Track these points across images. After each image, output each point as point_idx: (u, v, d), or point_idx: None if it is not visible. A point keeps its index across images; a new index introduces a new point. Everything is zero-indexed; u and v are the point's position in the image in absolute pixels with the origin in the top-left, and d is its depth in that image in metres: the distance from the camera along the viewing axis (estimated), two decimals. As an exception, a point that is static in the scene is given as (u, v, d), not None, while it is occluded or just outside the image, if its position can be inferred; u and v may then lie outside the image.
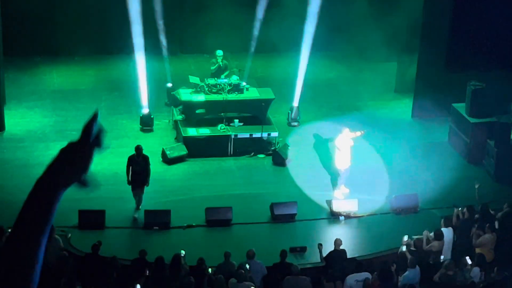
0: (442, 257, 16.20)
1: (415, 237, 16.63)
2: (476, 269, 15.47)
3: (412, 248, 16.08)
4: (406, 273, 15.24)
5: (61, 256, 15.60)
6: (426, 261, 16.15)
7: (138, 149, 18.64)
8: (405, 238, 16.31)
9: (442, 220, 16.98)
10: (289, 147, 21.19)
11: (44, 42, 26.23)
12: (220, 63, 22.80)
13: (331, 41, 26.97)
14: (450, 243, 16.65)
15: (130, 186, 18.69)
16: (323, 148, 21.05)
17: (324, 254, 16.03)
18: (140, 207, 18.61)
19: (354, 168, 19.72)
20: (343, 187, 19.53)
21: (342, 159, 19.41)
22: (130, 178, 18.47)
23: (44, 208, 3.04)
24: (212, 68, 22.78)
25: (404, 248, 16.09)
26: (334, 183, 19.65)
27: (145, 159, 18.62)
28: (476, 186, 18.26)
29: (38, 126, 22.44)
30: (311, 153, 21.44)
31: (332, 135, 19.91)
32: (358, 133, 19.65)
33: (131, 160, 18.62)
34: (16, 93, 24.08)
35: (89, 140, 3.10)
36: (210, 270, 15.11)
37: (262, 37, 26.76)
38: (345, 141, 19.40)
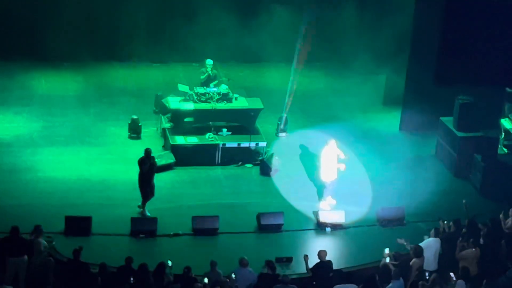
0: (427, 273, 16.19)
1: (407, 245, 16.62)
2: (461, 282, 15.48)
3: (393, 262, 16.08)
4: (390, 285, 15.25)
5: (45, 260, 15.55)
6: (409, 274, 16.14)
7: (148, 152, 18.76)
8: (387, 250, 16.30)
9: (432, 231, 16.97)
10: (275, 157, 21.18)
11: (33, 47, 26.20)
12: (210, 72, 22.82)
13: (321, 53, 27.06)
14: (436, 253, 16.66)
15: (116, 193, 18.71)
16: (309, 160, 21.07)
17: (310, 265, 16.01)
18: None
19: (341, 180, 19.72)
20: (330, 198, 19.55)
21: (327, 171, 19.42)
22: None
23: None
24: (202, 77, 22.79)
25: (387, 260, 16.09)
26: (320, 194, 19.67)
27: (154, 161, 18.94)
28: (464, 202, 18.32)
29: (26, 131, 22.37)
30: (298, 164, 21.46)
31: (318, 146, 19.90)
32: (342, 157, 19.58)
33: (142, 163, 18.73)
34: (4, 98, 24.03)
35: None
36: (206, 280, 14.99)
37: (252, 47, 26.86)
38: (330, 153, 19.40)
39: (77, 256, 15.55)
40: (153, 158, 18.95)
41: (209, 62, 22.90)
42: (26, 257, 15.54)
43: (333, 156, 19.40)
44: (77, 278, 15.16)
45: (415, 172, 21.29)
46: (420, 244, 16.53)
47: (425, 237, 16.91)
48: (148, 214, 18.79)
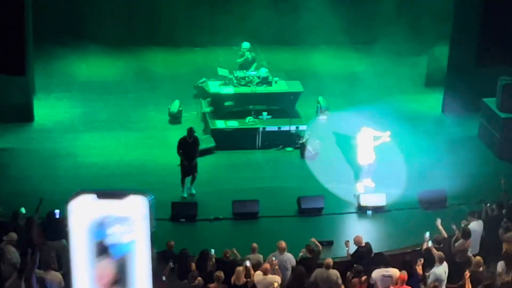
0: (469, 251, 16.01)
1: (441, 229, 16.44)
2: (502, 263, 15.29)
3: (435, 245, 15.92)
4: (434, 269, 15.11)
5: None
6: (453, 258, 15.97)
7: (191, 131, 18.84)
8: (427, 234, 16.13)
9: (469, 215, 16.81)
10: (315, 140, 21.08)
11: (74, 33, 26.29)
12: (248, 55, 22.74)
13: (361, 34, 26.88)
14: (478, 237, 16.48)
15: (156, 177, 18.76)
16: (347, 143, 20.89)
17: (351, 251, 15.93)
18: (186, 190, 19.07)
19: (382, 162, 19.60)
20: (368, 181, 19.41)
21: (363, 154, 19.31)
22: (182, 161, 18.89)
23: None
24: (239, 60, 22.75)
25: (430, 244, 15.90)
26: (356, 177, 19.57)
27: (196, 141, 18.97)
28: (502, 181, 18.08)
29: (67, 117, 22.50)
30: (338, 147, 21.33)
31: (357, 129, 19.73)
32: (385, 136, 19.49)
33: (182, 143, 18.84)
34: (45, 84, 24.16)
35: None
36: (248, 262, 14.98)
37: (292, 29, 26.76)
38: (366, 137, 19.28)
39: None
40: (197, 139, 19.06)
41: (245, 45, 22.83)
42: (64, 240, 15.64)
43: (369, 139, 19.26)
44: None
45: (457, 154, 21.05)
46: (464, 226, 16.36)
47: (464, 221, 16.70)
48: (187, 193, 18.98)
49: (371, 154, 19.32)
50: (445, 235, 16.33)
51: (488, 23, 20.98)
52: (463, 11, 22.59)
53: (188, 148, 18.95)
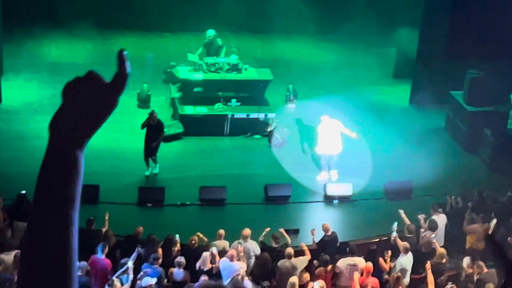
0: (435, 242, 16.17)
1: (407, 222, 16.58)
2: (467, 258, 15.47)
3: (407, 235, 16.05)
4: (399, 259, 15.24)
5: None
6: (419, 249, 16.13)
7: (152, 115, 19.01)
8: (395, 225, 16.27)
9: (431, 208, 16.96)
10: (284, 128, 21.12)
11: (44, 14, 26.12)
12: (219, 41, 22.63)
13: (332, 24, 26.94)
14: (442, 230, 16.63)
15: (123, 162, 18.79)
16: (311, 132, 20.84)
17: (317, 239, 16.03)
18: (151, 169, 19.26)
19: (349, 152, 19.71)
20: (333, 173, 19.44)
21: (322, 145, 19.32)
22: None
23: (63, 176, 2.37)
24: (199, 51, 22.60)
25: (394, 234, 16.03)
26: (318, 167, 19.60)
27: (159, 125, 19.12)
28: (463, 182, 18.37)
29: (35, 99, 22.36)
30: (305, 135, 21.39)
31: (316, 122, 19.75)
32: (352, 135, 19.50)
33: (146, 125, 19.12)
34: (13, 65, 23.99)
35: (126, 71, 2.55)
36: (215, 249, 15.02)
37: (263, 17, 26.77)
38: (327, 128, 19.27)
39: (90, 226, 15.61)
40: (162, 124, 19.23)
41: (211, 32, 22.69)
42: None
43: (330, 130, 19.26)
44: (90, 246, 15.19)
45: (424, 146, 21.22)
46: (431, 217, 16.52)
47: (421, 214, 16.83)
48: (151, 172, 19.11)
49: (333, 145, 19.31)
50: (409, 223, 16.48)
51: (458, 16, 21.15)
52: (433, 3, 22.71)
53: (151, 131, 19.01)
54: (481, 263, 15.08)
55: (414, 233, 16.24)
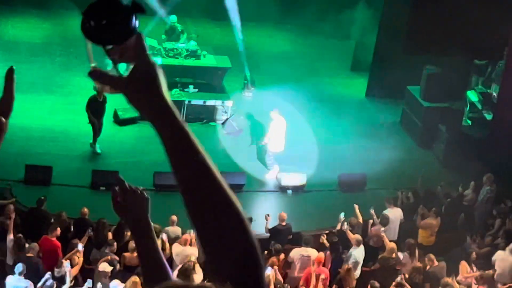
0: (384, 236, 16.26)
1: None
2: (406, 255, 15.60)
3: (349, 228, 16.12)
4: (352, 250, 15.33)
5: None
6: (367, 242, 16.23)
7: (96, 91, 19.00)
8: (342, 215, 16.34)
9: (385, 201, 17.07)
10: (239, 117, 21.07)
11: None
12: (178, 27, 22.57)
13: (291, 14, 26.95)
14: (396, 224, 16.73)
15: (78, 145, 18.64)
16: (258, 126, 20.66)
17: (270, 225, 16.06)
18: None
19: (304, 143, 19.75)
20: (276, 167, 19.36)
21: (273, 141, 19.27)
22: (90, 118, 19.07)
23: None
24: (163, 36, 22.59)
25: (345, 226, 16.07)
26: (264, 163, 19.53)
27: (105, 100, 19.24)
28: (420, 176, 18.48)
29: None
30: (259, 128, 21.28)
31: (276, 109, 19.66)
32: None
33: (92, 102, 19.00)
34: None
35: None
36: (165, 236, 14.99)
37: (223, 5, 26.67)
38: (276, 126, 19.20)
39: (41, 205, 15.47)
40: (105, 97, 19.23)
41: (173, 18, 22.63)
42: None
43: (280, 127, 19.25)
44: (39, 226, 15.08)
45: (379, 139, 21.35)
46: (384, 212, 16.61)
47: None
48: (99, 150, 19.11)
49: (279, 141, 19.26)
50: (361, 220, 16.56)
51: (417, 11, 21.26)
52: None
53: (98, 107, 18.95)
54: (431, 256, 15.24)
55: (356, 227, 16.29)
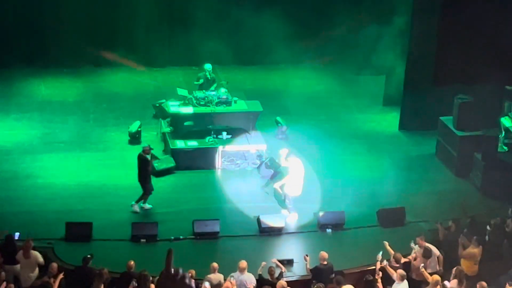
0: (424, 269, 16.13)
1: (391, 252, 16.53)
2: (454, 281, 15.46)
3: (395, 264, 16.00)
4: (396, 286, 15.21)
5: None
6: (410, 276, 16.10)
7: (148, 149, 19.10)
8: (380, 254, 16.23)
9: (418, 238, 16.89)
10: (275, 160, 21.10)
11: (33, 54, 26.26)
12: (208, 76, 22.83)
13: (320, 54, 27.11)
14: (435, 258, 16.57)
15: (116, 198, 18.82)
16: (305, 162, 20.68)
17: (310, 265, 16.01)
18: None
19: (341, 181, 19.71)
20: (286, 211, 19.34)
21: (292, 185, 19.16)
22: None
23: None
24: (196, 83, 22.82)
25: (385, 262, 15.95)
26: (282, 204, 19.50)
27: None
28: (462, 202, 18.33)
29: (26, 138, 22.37)
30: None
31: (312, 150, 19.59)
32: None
33: (145, 160, 19.06)
34: (3, 105, 24.05)
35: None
36: (207, 284, 14.97)
37: (250, 49, 26.92)
38: (296, 167, 19.12)
39: (86, 263, 15.56)
40: (152, 155, 19.37)
41: (208, 66, 22.90)
42: (19, 266, 15.57)
43: (299, 170, 19.23)
44: (85, 285, 15.14)
45: (415, 172, 21.28)
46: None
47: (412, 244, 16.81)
48: (150, 206, 19.20)
49: (297, 185, 19.17)
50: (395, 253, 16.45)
51: (445, 42, 21.28)
52: (420, 31, 22.86)
53: (148, 165, 19.15)
54: (484, 283, 14.96)
55: (400, 262, 16.18)
